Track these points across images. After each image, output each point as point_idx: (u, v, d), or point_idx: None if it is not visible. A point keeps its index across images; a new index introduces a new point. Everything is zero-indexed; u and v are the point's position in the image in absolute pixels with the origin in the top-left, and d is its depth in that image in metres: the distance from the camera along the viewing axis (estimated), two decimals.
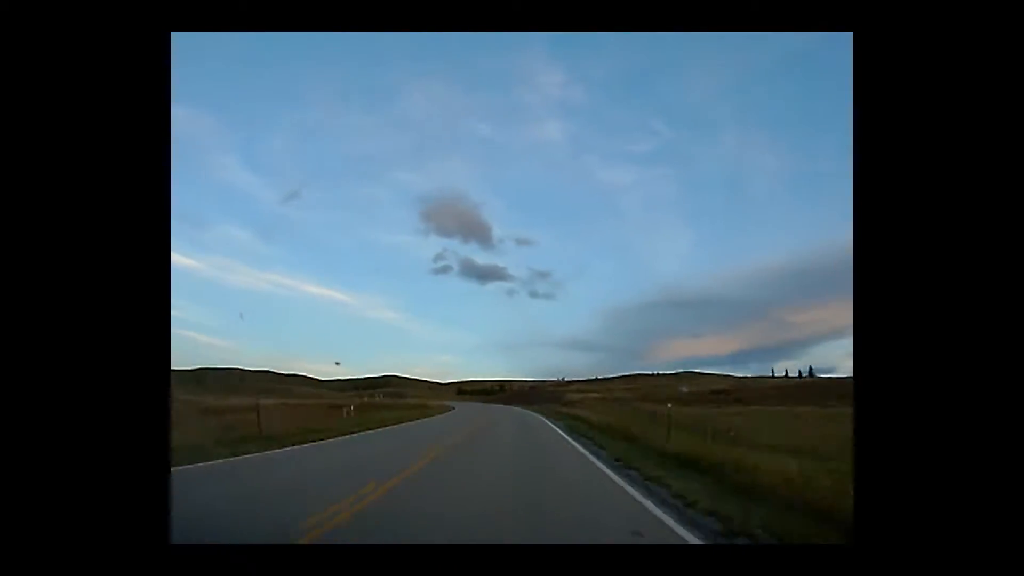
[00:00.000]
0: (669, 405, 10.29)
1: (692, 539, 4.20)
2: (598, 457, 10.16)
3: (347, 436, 14.33)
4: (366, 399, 41.49)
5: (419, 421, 23.57)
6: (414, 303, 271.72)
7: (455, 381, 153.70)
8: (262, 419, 14.00)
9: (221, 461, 8.39)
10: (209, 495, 5.76)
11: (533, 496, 5.93)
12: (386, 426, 19.04)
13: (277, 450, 10.42)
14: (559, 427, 20.01)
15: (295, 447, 11.07)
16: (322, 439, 12.84)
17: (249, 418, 14.60)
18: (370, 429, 17.14)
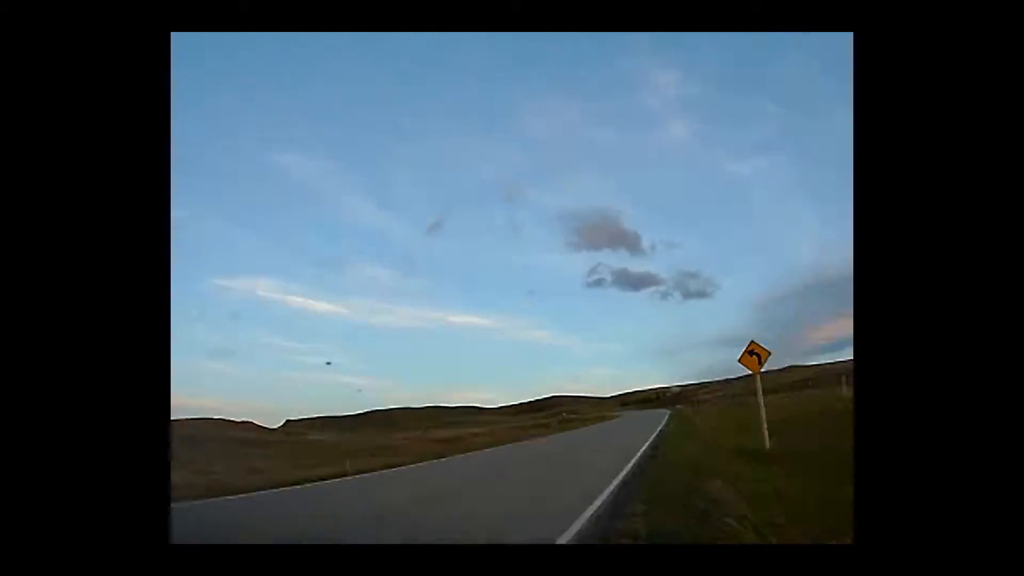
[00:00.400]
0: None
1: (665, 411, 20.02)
2: (662, 412, 48.12)
3: (588, 427, 35.20)
4: (562, 416, 60.66)
5: (606, 423, 40.77)
6: (562, 319, 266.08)
7: (617, 394, 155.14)
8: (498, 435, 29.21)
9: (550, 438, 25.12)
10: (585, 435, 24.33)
11: (649, 415, 48.38)
12: (589, 425, 39.65)
13: (575, 430, 31.44)
14: (667, 410, 52.08)
15: (578, 430, 30.86)
16: (582, 426, 37.50)
17: (477, 440, 25.75)
18: (584, 426, 37.98)
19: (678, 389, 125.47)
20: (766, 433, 10.48)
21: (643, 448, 12.34)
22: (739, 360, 11.07)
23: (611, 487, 6.41)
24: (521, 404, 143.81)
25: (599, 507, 5.16)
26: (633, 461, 9.56)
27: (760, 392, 11.15)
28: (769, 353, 10.80)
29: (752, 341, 10.97)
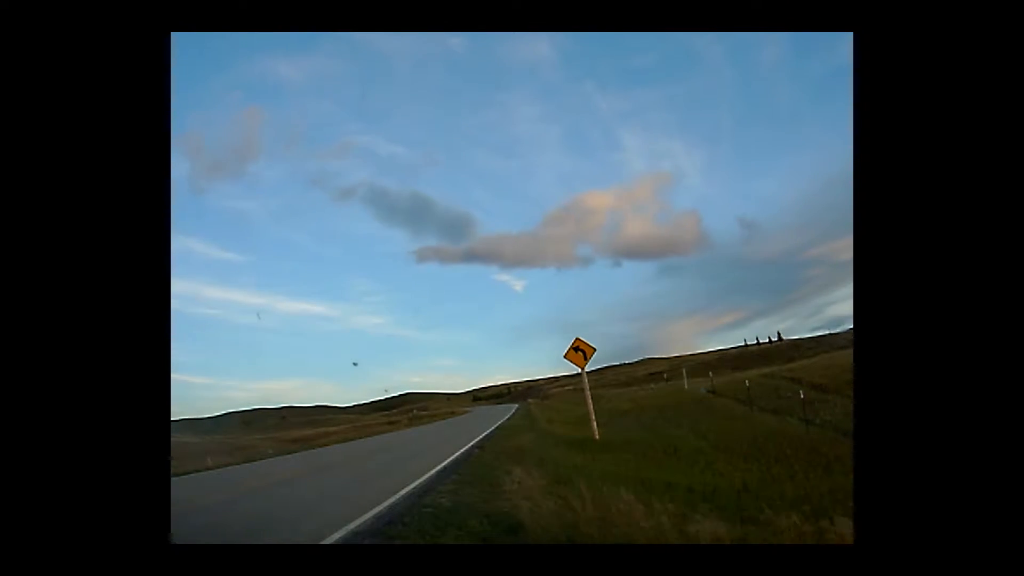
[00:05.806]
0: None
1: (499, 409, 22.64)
2: (511, 407, 48.15)
3: (437, 422, 35.57)
4: (413, 412, 61.89)
5: (455, 418, 41.63)
6: (402, 306, 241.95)
7: (470, 389, 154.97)
8: (374, 430, 33.48)
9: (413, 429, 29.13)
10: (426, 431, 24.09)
11: (497, 410, 47.69)
12: (438, 421, 39.25)
13: (423, 425, 33.45)
14: (517, 404, 53.72)
15: (427, 425, 32.89)
16: (431, 422, 37.60)
17: (331, 438, 26.87)
18: (433, 422, 37.69)
19: (529, 383, 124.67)
20: (595, 425, 11.76)
21: (478, 439, 13.27)
22: (565, 356, 11.34)
23: (435, 470, 7.51)
24: (375, 402, 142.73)
25: (420, 483, 6.25)
26: (463, 450, 10.43)
27: (587, 387, 12.30)
28: (594, 349, 11.30)
29: (577, 338, 11.39)
